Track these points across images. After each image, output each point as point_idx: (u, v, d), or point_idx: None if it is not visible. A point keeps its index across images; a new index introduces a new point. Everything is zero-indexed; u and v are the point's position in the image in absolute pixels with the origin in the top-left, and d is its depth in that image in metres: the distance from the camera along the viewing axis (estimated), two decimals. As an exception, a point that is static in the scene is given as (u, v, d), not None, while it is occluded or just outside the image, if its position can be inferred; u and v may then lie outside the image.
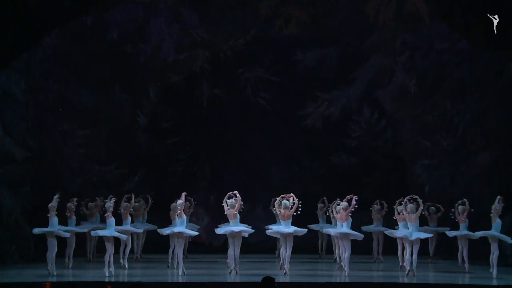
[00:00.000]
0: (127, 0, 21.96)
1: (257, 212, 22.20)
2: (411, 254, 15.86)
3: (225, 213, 15.99)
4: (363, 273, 17.03)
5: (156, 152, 23.09)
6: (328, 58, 23.22)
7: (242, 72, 23.42)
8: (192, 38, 22.77)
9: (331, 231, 16.90)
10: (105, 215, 16.32)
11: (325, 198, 19.42)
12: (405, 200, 16.13)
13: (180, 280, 15.42)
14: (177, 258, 15.98)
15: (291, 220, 15.92)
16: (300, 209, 15.90)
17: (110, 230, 15.96)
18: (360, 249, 19.60)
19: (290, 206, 15.82)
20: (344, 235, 15.90)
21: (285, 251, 15.94)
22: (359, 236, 16.07)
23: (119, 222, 16.96)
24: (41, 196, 18.92)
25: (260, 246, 19.47)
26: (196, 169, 23.40)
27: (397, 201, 16.77)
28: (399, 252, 16.98)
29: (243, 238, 16.29)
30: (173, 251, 16.98)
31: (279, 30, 22.83)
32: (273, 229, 16.30)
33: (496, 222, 16.01)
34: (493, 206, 16.07)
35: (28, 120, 20.44)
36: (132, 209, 17.87)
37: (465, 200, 17.12)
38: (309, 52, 23.21)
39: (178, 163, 23.22)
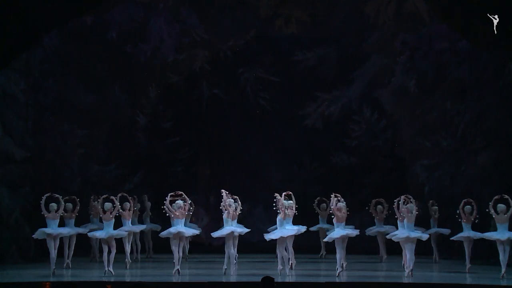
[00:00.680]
0: (127, 0, 21.96)
1: (257, 212, 22.20)
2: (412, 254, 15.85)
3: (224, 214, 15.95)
4: (365, 273, 17.02)
5: (156, 152, 23.09)
6: (328, 58, 23.22)
7: (242, 72, 23.43)
8: (192, 38, 22.78)
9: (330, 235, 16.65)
10: (101, 215, 16.36)
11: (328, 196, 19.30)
12: (400, 200, 16.07)
13: (180, 280, 15.41)
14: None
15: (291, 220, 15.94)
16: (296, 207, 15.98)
17: (107, 231, 15.96)
18: (361, 249, 19.64)
19: (292, 207, 15.85)
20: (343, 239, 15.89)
21: (287, 251, 15.96)
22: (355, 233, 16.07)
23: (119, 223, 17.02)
24: (41, 196, 18.89)
25: (260, 246, 19.45)
26: (196, 169, 23.40)
27: (395, 201, 16.73)
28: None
29: (244, 237, 16.26)
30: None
31: (279, 30, 22.86)
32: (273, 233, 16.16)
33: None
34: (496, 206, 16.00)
35: (28, 120, 20.44)
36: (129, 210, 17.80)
37: (471, 200, 16.99)
38: (309, 52, 23.21)
39: (178, 163, 23.22)
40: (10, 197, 19.33)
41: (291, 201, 16.01)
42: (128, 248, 17.37)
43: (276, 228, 16.08)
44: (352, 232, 15.93)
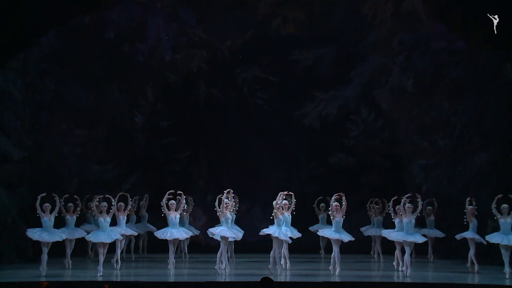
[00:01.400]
0: (125, 0, 21.95)
1: (255, 212, 22.21)
2: (410, 254, 15.85)
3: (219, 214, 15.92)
4: (361, 272, 17.02)
5: (153, 151, 23.09)
6: (325, 58, 23.24)
7: (240, 72, 23.44)
8: (190, 37, 22.78)
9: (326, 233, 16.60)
10: (96, 216, 16.35)
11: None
12: (404, 198, 16.06)
13: (177, 280, 15.41)
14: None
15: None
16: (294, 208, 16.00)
17: (105, 234, 15.96)
18: (357, 249, 19.64)
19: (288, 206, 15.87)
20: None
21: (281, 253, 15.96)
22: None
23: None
24: (38, 196, 18.88)
25: (257, 246, 19.45)
26: (193, 169, 23.40)
27: (392, 200, 16.73)
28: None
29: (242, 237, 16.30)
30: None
31: (276, 30, 22.87)
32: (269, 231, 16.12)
33: (501, 222, 15.95)
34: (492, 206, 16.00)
35: (25, 120, 20.42)
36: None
37: (471, 199, 16.98)
38: (307, 52, 23.23)
39: (175, 162, 23.23)
40: (7, 197, 19.31)
41: (286, 201, 15.96)
42: (119, 251, 17.33)
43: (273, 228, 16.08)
44: (346, 237, 15.89)
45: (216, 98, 23.37)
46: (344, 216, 15.80)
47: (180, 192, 16.34)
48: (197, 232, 19.29)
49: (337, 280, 15.31)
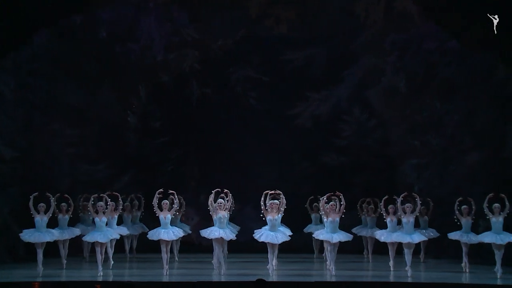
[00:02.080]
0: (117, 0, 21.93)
1: (247, 212, 22.19)
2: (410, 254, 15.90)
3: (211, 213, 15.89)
4: (354, 272, 17.06)
5: (145, 151, 23.05)
6: (317, 58, 23.24)
7: (232, 72, 23.43)
8: (182, 37, 22.75)
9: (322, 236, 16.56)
10: (92, 216, 16.32)
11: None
12: (400, 198, 16.08)
13: (169, 279, 15.40)
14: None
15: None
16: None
17: (101, 234, 15.93)
18: (351, 248, 19.64)
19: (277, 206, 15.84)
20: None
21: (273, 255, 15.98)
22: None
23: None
24: (29, 196, 18.82)
25: (250, 245, 19.44)
26: (185, 169, 23.38)
27: (383, 199, 16.76)
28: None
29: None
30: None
31: (268, 30, 22.86)
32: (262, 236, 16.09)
33: (493, 221, 15.99)
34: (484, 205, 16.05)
35: (17, 119, 20.36)
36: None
37: (469, 199, 17.01)
38: (299, 52, 23.23)
39: (167, 162, 23.20)
40: (-1, 197, 19.27)
41: (276, 201, 15.92)
42: (111, 250, 17.32)
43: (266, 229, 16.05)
44: (344, 237, 15.91)
45: (208, 98, 23.36)
46: (343, 216, 15.81)
47: (172, 191, 16.31)
48: (189, 231, 19.28)
49: (331, 280, 15.34)
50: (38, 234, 15.92)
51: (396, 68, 22.08)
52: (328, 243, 15.87)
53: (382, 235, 16.66)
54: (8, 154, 19.73)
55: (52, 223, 16.67)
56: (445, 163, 21.13)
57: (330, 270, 15.81)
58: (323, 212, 16.09)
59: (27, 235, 16.03)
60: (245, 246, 19.62)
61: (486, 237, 16.07)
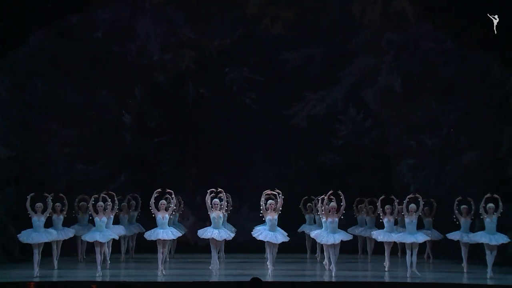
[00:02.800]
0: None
1: (244, 211, 22.21)
2: (410, 255, 15.89)
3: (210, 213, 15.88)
4: (351, 272, 17.06)
5: (142, 151, 23.04)
6: (314, 58, 23.24)
7: (228, 72, 23.42)
8: (178, 37, 22.73)
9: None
10: (93, 216, 16.30)
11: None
12: (406, 200, 16.08)
13: (165, 280, 15.40)
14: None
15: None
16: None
17: (101, 233, 15.93)
18: (348, 248, 19.66)
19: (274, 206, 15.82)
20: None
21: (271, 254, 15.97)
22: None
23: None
24: (26, 195, 18.79)
25: (247, 245, 19.46)
26: (182, 169, 23.37)
27: (380, 199, 16.75)
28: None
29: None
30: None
31: (265, 30, 22.84)
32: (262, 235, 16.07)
33: (486, 221, 16.01)
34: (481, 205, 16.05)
35: (13, 119, 20.34)
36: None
37: (470, 199, 17.00)
38: (296, 52, 23.23)
39: (164, 162, 23.19)
40: (-5, 196, 19.25)
41: (272, 201, 15.91)
42: (108, 250, 17.31)
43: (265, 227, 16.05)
44: (346, 237, 15.91)
45: (204, 98, 23.35)
46: (342, 217, 15.80)
47: (169, 191, 16.28)
48: (185, 230, 19.28)
49: (329, 280, 15.35)
50: (36, 235, 15.88)
51: (393, 68, 22.10)
52: (331, 245, 15.77)
53: (379, 235, 16.65)
54: (3, 153, 19.71)
55: (47, 223, 16.60)
56: (441, 163, 21.16)
57: (331, 271, 15.75)
58: (322, 213, 16.02)
59: (25, 236, 15.98)
60: (242, 246, 19.65)
61: (480, 237, 16.07)
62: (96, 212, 16.20)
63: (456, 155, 20.81)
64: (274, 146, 23.42)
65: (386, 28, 22.07)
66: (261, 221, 16.44)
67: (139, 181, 22.26)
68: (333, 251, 15.76)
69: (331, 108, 23.22)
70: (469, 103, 20.59)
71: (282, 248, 16.51)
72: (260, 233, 15.93)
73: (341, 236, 15.76)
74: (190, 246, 21.45)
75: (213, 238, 15.68)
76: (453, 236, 17.10)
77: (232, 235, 16.30)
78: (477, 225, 17.59)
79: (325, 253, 16.66)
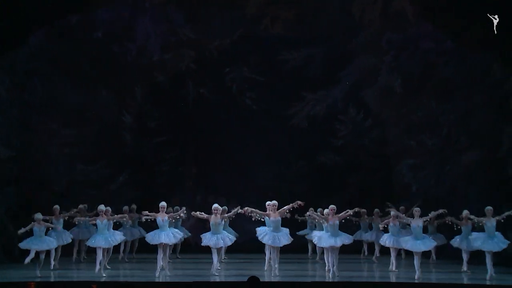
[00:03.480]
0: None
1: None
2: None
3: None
4: (351, 273, 17.05)
5: (142, 151, 23.04)
6: (314, 58, 23.26)
7: (228, 72, 23.42)
8: (178, 37, 22.75)
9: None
10: (92, 219, 16.28)
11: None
12: (416, 206, 16.11)
13: (165, 280, 15.39)
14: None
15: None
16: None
17: (104, 239, 15.91)
18: (349, 249, 19.63)
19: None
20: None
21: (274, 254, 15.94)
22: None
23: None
24: (26, 195, 18.82)
25: (247, 246, 19.46)
26: (182, 169, 23.37)
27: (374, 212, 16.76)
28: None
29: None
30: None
31: (265, 30, 22.85)
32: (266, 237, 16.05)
33: (486, 224, 15.98)
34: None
35: (13, 119, 20.35)
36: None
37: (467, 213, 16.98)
38: (295, 52, 23.24)
39: (164, 162, 23.19)
40: (-5, 196, 19.25)
41: (274, 201, 15.88)
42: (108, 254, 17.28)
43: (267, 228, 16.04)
44: (348, 240, 15.88)
45: (204, 98, 23.36)
46: (343, 221, 15.81)
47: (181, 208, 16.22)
48: (187, 235, 19.18)
49: (329, 280, 15.34)
50: (39, 241, 15.88)
51: (392, 68, 22.12)
52: (332, 248, 15.74)
53: (387, 241, 16.58)
54: (3, 153, 19.71)
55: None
56: (441, 163, 21.16)
57: (334, 272, 15.70)
58: (322, 221, 16.02)
59: (27, 244, 15.98)
60: (242, 246, 19.62)
61: (481, 244, 15.95)
62: (97, 215, 16.15)
63: (456, 155, 20.81)
64: (274, 146, 23.42)
65: (386, 28, 22.07)
66: (261, 222, 16.39)
67: (139, 181, 22.27)
68: (334, 253, 15.70)
69: (331, 108, 23.22)
70: (469, 103, 20.59)
71: (283, 248, 16.48)
72: (265, 234, 15.88)
73: (342, 240, 15.69)
74: (190, 247, 21.42)
75: (209, 246, 15.64)
76: (455, 243, 17.06)
77: (232, 240, 16.11)
78: (476, 228, 17.55)
79: (324, 255, 16.62)
